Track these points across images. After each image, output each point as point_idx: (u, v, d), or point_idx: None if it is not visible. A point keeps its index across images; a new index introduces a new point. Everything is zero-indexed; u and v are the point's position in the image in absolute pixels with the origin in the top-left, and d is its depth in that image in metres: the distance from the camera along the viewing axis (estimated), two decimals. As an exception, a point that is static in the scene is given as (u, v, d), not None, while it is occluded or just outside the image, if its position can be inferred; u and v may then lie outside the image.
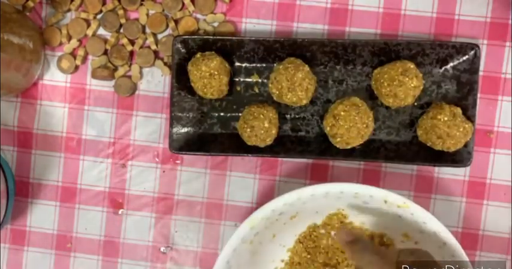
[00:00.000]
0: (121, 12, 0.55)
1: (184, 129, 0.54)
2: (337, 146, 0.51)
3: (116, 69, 0.56)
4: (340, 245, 0.54)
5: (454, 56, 0.51)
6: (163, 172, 0.56)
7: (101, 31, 0.56)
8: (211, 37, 0.53)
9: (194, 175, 0.56)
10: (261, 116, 0.51)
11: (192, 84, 0.52)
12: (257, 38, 0.52)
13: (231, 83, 0.54)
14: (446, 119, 0.49)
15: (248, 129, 0.51)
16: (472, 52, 0.51)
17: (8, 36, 0.51)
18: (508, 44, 0.53)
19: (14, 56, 0.51)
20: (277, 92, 0.51)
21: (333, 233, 0.54)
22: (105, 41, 0.56)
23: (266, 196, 0.56)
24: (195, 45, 0.53)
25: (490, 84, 0.53)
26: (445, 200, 0.54)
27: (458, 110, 0.50)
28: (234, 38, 0.53)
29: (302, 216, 0.52)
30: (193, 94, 0.54)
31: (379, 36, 0.54)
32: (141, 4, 0.55)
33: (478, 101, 0.52)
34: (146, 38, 0.55)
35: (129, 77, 0.56)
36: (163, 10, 0.55)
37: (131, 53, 0.56)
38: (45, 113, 0.57)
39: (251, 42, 0.52)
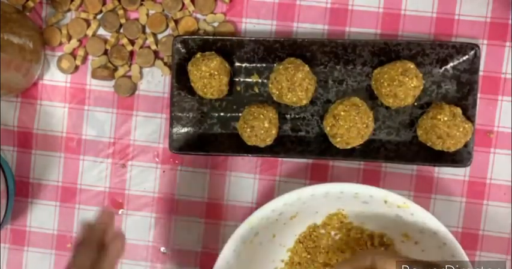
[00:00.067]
0: (121, 12, 0.55)
1: (184, 129, 0.54)
2: (337, 146, 0.51)
3: (116, 69, 0.56)
4: (340, 246, 0.54)
5: (454, 56, 0.51)
6: (163, 172, 0.56)
7: (101, 31, 0.56)
8: (211, 37, 0.53)
9: (194, 175, 0.56)
10: (261, 116, 0.51)
11: (192, 84, 0.52)
12: (257, 38, 0.52)
13: (231, 83, 0.54)
14: (446, 119, 0.49)
15: (248, 129, 0.51)
16: (472, 52, 0.51)
17: (8, 36, 0.51)
18: (508, 44, 0.53)
19: (14, 56, 0.51)
20: (277, 92, 0.51)
21: (333, 233, 0.54)
22: (105, 41, 0.56)
23: (266, 196, 0.55)
24: (195, 45, 0.53)
25: (490, 84, 0.53)
26: (445, 200, 0.54)
27: (458, 110, 0.50)
28: (234, 38, 0.53)
29: (302, 216, 0.52)
30: (193, 94, 0.54)
31: (379, 36, 0.54)
32: (141, 4, 0.55)
33: (478, 101, 0.52)
34: (146, 38, 0.55)
35: (129, 77, 0.56)
36: (163, 10, 0.55)
37: (131, 53, 0.56)
38: (45, 113, 0.57)
39: (251, 42, 0.52)
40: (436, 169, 0.54)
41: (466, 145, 0.51)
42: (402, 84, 0.49)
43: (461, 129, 0.49)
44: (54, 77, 0.57)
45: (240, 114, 0.53)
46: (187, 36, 0.53)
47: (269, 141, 0.52)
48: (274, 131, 0.51)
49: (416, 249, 0.51)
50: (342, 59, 0.52)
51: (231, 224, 0.56)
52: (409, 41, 0.51)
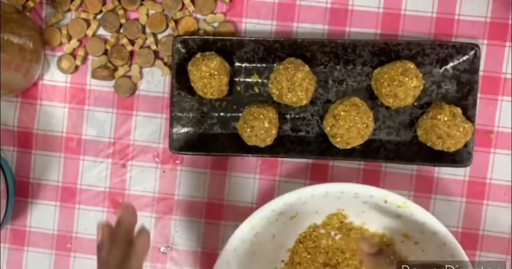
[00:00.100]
0: (121, 12, 0.55)
1: (184, 129, 0.54)
2: (337, 146, 0.51)
3: (116, 69, 0.56)
4: (340, 246, 0.54)
5: (454, 56, 0.51)
6: (164, 172, 0.56)
7: (101, 31, 0.56)
8: (211, 37, 0.53)
9: (194, 175, 0.56)
10: (261, 116, 0.51)
11: (192, 84, 0.52)
12: (257, 38, 0.52)
13: (231, 83, 0.54)
14: (446, 119, 0.49)
15: (248, 129, 0.51)
16: (472, 52, 0.51)
17: (8, 36, 0.51)
18: (508, 44, 0.53)
19: (14, 56, 0.51)
20: (277, 92, 0.51)
21: (333, 233, 0.54)
22: (105, 41, 0.56)
23: (266, 196, 0.55)
24: (195, 45, 0.53)
25: (490, 84, 0.53)
26: (445, 200, 0.54)
27: (458, 110, 0.50)
28: (234, 38, 0.53)
29: (302, 216, 0.52)
30: (193, 94, 0.54)
31: (379, 36, 0.54)
32: (141, 4, 0.55)
33: (478, 101, 0.52)
34: (146, 38, 0.55)
35: (129, 77, 0.56)
36: (163, 10, 0.55)
37: (131, 53, 0.56)
38: (45, 113, 0.57)
39: (251, 42, 0.52)
40: (436, 169, 0.54)
41: (466, 145, 0.51)
42: (402, 84, 0.49)
43: (461, 129, 0.49)
44: (54, 77, 0.57)
45: (240, 114, 0.53)
46: (187, 36, 0.53)
47: (269, 141, 0.52)
48: (274, 131, 0.51)
49: (416, 249, 0.51)
50: (342, 59, 0.52)
51: (231, 224, 0.56)
52: (409, 41, 0.51)
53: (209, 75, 0.51)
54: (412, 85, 0.49)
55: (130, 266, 0.42)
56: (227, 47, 0.53)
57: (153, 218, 0.57)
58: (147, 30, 0.56)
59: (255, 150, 0.53)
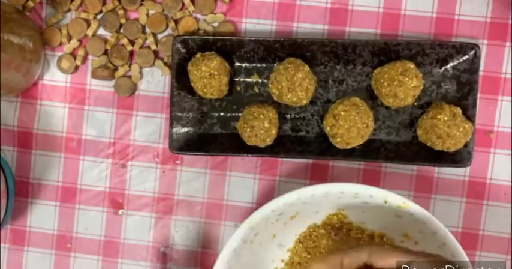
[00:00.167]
0: (121, 12, 0.55)
1: (184, 129, 0.54)
2: (337, 146, 0.51)
3: (116, 69, 0.56)
4: (340, 246, 0.54)
5: (454, 56, 0.51)
6: (163, 172, 0.56)
7: (101, 31, 0.56)
8: (211, 37, 0.53)
9: (194, 175, 0.56)
10: (261, 116, 0.51)
11: (192, 84, 0.52)
12: (257, 38, 0.52)
13: (231, 83, 0.54)
14: (446, 119, 0.49)
15: (248, 129, 0.51)
16: (472, 52, 0.51)
17: (8, 36, 0.51)
18: (508, 44, 0.53)
19: (14, 56, 0.51)
20: (277, 92, 0.51)
21: (333, 233, 0.54)
22: (105, 41, 0.56)
23: (266, 196, 0.55)
24: (195, 45, 0.53)
25: (490, 84, 0.53)
26: (445, 200, 0.54)
27: (458, 110, 0.50)
28: (234, 38, 0.53)
29: (302, 216, 0.52)
30: (193, 94, 0.54)
31: (379, 36, 0.54)
32: (141, 4, 0.55)
33: (478, 101, 0.52)
34: (146, 38, 0.55)
35: (129, 77, 0.56)
36: (163, 10, 0.55)
37: (131, 53, 0.56)
38: (45, 113, 0.57)
39: (251, 42, 0.52)
40: (436, 169, 0.54)
41: (466, 145, 0.51)
42: (402, 84, 0.49)
43: (461, 129, 0.49)
44: (54, 77, 0.57)
45: (240, 114, 0.53)
46: (187, 36, 0.53)
47: (269, 141, 0.52)
48: (274, 131, 0.51)
49: (416, 249, 0.51)
50: (342, 59, 0.52)
51: (231, 224, 0.56)
52: (409, 41, 0.51)
53: (209, 75, 0.51)
54: (412, 85, 0.49)
55: None
56: (227, 47, 0.53)
57: (153, 218, 0.57)
58: (147, 30, 0.56)
59: (255, 150, 0.53)
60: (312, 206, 0.51)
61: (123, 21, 0.55)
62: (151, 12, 0.55)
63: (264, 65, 0.54)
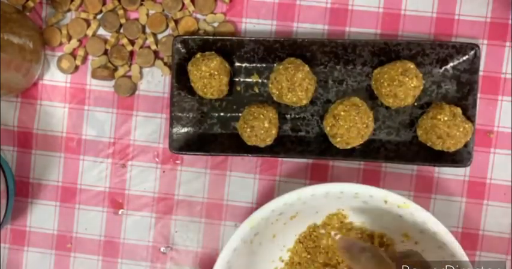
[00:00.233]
0: (121, 12, 0.55)
1: (184, 129, 0.54)
2: (337, 146, 0.51)
3: (116, 69, 0.56)
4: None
5: (454, 56, 0.51)
6: (163, 172, 0.56)
7: (101, 31, 0.56)
8: (211, 37, 0.53)
9: (194, 175, 0.56)
10: (261, 116, 0.51)
11: (192, 84, 0.52)
12: (257, 38, 0.52)
13: (231, 83, 0.54)
14: (446, 119, 0.49)
15: (248, 130, 0.51)
16: (472, 52, 0.51)
17: (8, 36, 0.51)
18: (508, 44, 0.53)
19: (14, 56, 0.51)
20: (277, 92, 0.51)
21: (333, 233, 0.54)
22: (105, 41, 0.56)
23: (266, 196, 0.56)
24: (195, 45, 0.53)
25: (490, 84, 0.53)
26: (445, 200, 0.54)
27: (458, 110, 0.50)
28: (234, 38, 0.53)
29: (302, 216, 0.52)
30: (193, 94, 0.54)
31: (379, 36, 0.54)
32: (141, 4, 0.55)
33: (478, 101, 0.52)
34: (146, 38, 0.55)
35: (129, 77, 0.56)
36: (163, 10, 0.55)
37: (131, 53, 0.56)
38: (45, 113, 0.57)
39: (251, 42, 0.52)
40: (436, 169, 0.54)
41: (466, 145, 0.51)
42: (402, 84, 0.49)
43: (461, 129, 0.49)
44: (54, 77, 0.57)
45: (240, 114, 0.53)
46: (187, 36, 0.53)
47: (269, 141, 0.52)
48: (274, 131, 0.51)
49: (416, 249, 0.51)
50: (342, 59, 0.52)
51: (231, 224, 0.56)
52: (409, 41, 0.51)
53: (209, 75, 0.51)
54: (412, 85, 0.49)
55: None
56: (227, 47, 0.53)
57: (153, 218, 0.57)
58: (147, 30, 0.56)
59: (255, 150, 0.53)
60: (312, 206, 0.51)
61: (123, 21, 0.55)
62: (151, 12, 0.55)
63: (264, 65, 0.54)
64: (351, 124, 0.49)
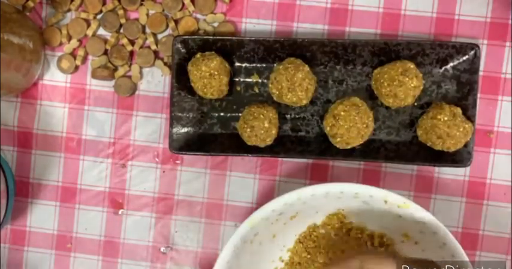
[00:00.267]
0: (121, 12, 0.55)
1: (184, 129, 0.54)
2: (337, 146, 0.51)
3: (116, 69, 0.56)
4: (340, 245, 0.54)
5: (454, 56, 0.51)
6: (163, 172, 0.56)
7: (101, 31, 0.56)
8: (211, 37, 0.53)
9: (194, 175, 0.56)
10: (261, 116, 0.51)
11: (192, 84, 0.52)
12: (257, 38, 0.52)
13: (231, 83, 0.54)
14: (446, 119, 0.49)
15: (248, 129, 0.51)
16: (472, 52, 0.51)
17: (8, 36, 0.51)
18: (508, 44, 0.53)
19: (14, 56, 0.51)
20: (277, 92, 0.51)
21: (333, 233, 0.54)
22: (105, 41, 0.56)
23: (266, 196, 0.55)
24: (195, 45, 0.53)
25: (490, 84, 0.53)
26: (445, 200, 0.54)
27: (458, 110, 0.50)
28: (234, 38, 0.53)
29: (302, 216, 0.52)
30: (193, 94, 0.54)
31: (379, 36, 0.54)
32: (141, 4, 0.55)
33: (478, 101, 0.52)
34: (146, 38, 0.55)
35: (129, 77, 0.56)
36: (163, 10, 0.55)
37: (131, 53, 0.56)
38: (45, 113, 0.57)
39: (251, 42, 0.52)
40: (436, 169, 0.54)
41: (466, 145, 0.51)
42: (402, 84, 0.49)
43: (461, 129, 0.49)
44: (54, 77, 0.57)
45: (240, 114, 0.53)
46: (187, 36, 0.53)
47: (269, 141, 0.52)
48: (274, 131, 0.51)
49: (416, 249, 0.51)
50: (342, 59, 0.52)
51: (231, 224, 0.56)
52: (409, 41, 0.51)
53: (209, 75, 0.51)
54: (412, 85, 0.49)
55: None
56: (227, 47, 0.53)
57: (153, 218, 0.57)
58: (147, 30, 0.56)
59: (255, 150, 0.53)
60: (312, 206, 0.51)
61: (123, 21, 0.55)
62: (151, 12, 0.55)
63: (264, 65, 0.54)
64: (351, 124, 0.49)
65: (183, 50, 0.53)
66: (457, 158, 0.51)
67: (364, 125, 0.50)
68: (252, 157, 0.55)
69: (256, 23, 0.55)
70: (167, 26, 0.55)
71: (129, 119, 0.56)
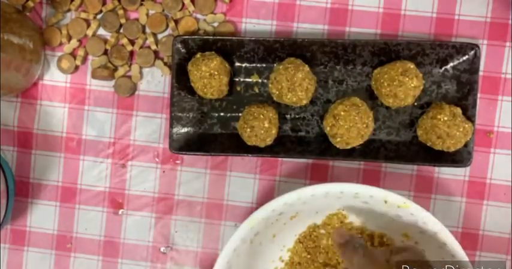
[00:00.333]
0: (121, 12, 0.55)
1: (184, 129, 0.54)
2: (337, 146, 0.51)
3: (116, 69, 0.56)
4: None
5: (454, 56, 0.51)
6: (163, 172, 0.56)
7: (101, 31, 0.56)
8: (211, 37, 0.53)
9: (194, 175, 0.56)
10: (261, 116, 0.51)
11: (192, 84, 0.52)
12: (257, 38, 0.52)
13: (231, 83, 0.54)
14: (446, 119, 0.49)
15: (248, 129, 0.51)
16: (472, 52, 0.51)
17: (8, 36, 0.51)
18: (508, 44, 0.53)
19: (14, 56, 0.51)
20: (277, 92, 0.51)
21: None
22: (105, 41, 0.56)
23: (266, 196, 0.56)
24: (195, 45, 0.53)
25: (490, 84, 0.53)
26: (445, 200, 0.54)
27: (458, 110, 0.50)
28: (234, 38, 0.53)
29: (302, 216, 0.52)
30: (193, 94, 0.54)
31: (379, 36, 0.54)
32: (141, 4, 0.55)
33: (478, 101, 0.52)
34: (146, 38, 0.55)
35: (129, 77, 0.56)
36: (163, 10, 0.55)
37: (131, 53, 0.56)
38: (45, 113, 0.57)
39: (251, 42, 0.52)
40: (436, 169, 0.54)
41: (466, 145, 0.51)
42: (402, 84, 0.49)
43: (461, 130, 0.49)
44: (54, 77, 0.57)
45: (240, 114, 0.53)
46: (187, 36, 0.53)
47: (269, 141, 0.52)
48: (274, 131, 0.51)
49: (416, 249, 0.51)
50: (342, 59, 0.52)
51: (231, 224, 0.56)
52: (409, 41, 0.51)
53: (209, 75, 0.51)
54: (412, 85, 0.49)
55: None
56: (227, 47, 0.53)
57: (153, 218, 0.57)
58: (147, 30, 0.56)
59: (255, 150, 0.53)
60: (312, 206, 0.51)
61: (123, 21, 0.55)
62: (151, 12, 0.55)
63: (264, 65, 0.54)
64: (351, 124, 0.49)
65: (183, 50, 0.53)
66: (457, 158, 0.51)
67: (364, 125, 0.50)
68: (252, 157, 0.55)
69: (256, 23, 0.55)
70: (167, 26, 0.55)
71: (129, 119, 0.56)
